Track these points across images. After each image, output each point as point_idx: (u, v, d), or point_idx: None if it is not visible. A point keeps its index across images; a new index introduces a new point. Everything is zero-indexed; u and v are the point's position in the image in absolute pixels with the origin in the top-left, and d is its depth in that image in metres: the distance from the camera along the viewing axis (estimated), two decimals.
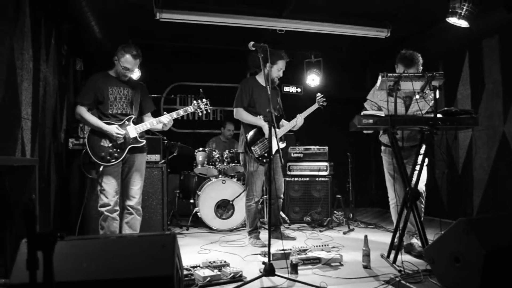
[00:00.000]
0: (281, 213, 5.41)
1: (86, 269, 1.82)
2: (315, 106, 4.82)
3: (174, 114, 3.83)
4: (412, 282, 2.75)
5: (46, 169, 4.36)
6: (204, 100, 4.00)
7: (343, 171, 6.35)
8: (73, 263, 1.84)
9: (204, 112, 4.02)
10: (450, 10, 4.40)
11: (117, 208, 3.69)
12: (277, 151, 4.46)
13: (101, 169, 3.61)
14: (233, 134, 6.63)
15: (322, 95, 4.89)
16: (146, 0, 4.95)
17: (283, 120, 4.67)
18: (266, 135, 4.34)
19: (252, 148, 4.36)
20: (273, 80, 4.47)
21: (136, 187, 3.79)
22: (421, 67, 3.80)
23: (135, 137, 3.73)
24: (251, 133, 4.41)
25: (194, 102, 4.00)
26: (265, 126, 4.33)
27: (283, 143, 4.59)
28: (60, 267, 1.77)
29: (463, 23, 4.41)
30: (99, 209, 3.66)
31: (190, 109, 3.94)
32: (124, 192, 3.79)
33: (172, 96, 6.99)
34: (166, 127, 3.83)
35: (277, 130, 4.45)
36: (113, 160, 3.64)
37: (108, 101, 3.69)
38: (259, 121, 4.38)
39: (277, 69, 4.45)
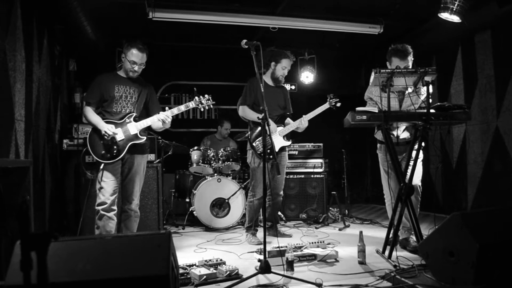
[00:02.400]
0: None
1: (81, 269, 1.83)
2: (325, 106, 4.75)
3: (175, 110, 3.75)
4: (407, 277, 2.76)
5: (41, 170, 4.35)
6: (206, 95, 3.91)
7: (338, 168, 6.38)
8: (68, 264, 1.84)
9: (206, 108, 3.92)
10: (442, 5, 4.43)
11: (115, 207, 3.64)
12: (283, 149, 4.51)
13: (101, 166, 3.57)
14: (229, 133, 6.64)
15: (334, 96, 4.81)
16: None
17: (289, 119, 4.67)
18: (269, 132, 4.35)
19: (254, 144, 4.39)
20: (277, 78, 4.51)
21: (135, 189, 3.76)
22: (413, 59, 3.81)
23: (136, 134, 3.67)
24: (255, 130, 4.45)
25: (196, 97, 3.89)
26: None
27: (288, 141, 4.59)
28: (55, 268, 1.77)
29: (455, 18, 4.44)
30: (96, 207, 3.61)
31: (191, 104, 3.86)
32: (123, 194, 3.76)
33: (166, 95, 7.00)
34: (166, 125, 3.74)
35: (280, 128, 4.47)
36: (114, 158, 3.60)
37: (114, 99, 3.66)
38: (256, 118, 4.39)
39: (281, 68, 4.49)
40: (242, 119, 4.61)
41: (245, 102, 4.48)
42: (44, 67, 4.55)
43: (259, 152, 4.36)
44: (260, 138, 4.38)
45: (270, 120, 4.26)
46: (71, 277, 1.80)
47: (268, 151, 4.33)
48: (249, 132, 4.51)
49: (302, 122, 4.58)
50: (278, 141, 4.47)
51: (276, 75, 4.51)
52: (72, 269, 1.83)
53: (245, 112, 4.48)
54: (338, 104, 4.78)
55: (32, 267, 1.16)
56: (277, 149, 4.34)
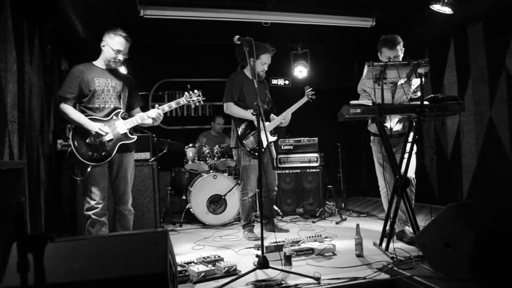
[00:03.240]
0: (274, 206, 5.42)
1: (78, 269, 1.82)
2: (304, 100, 4.78)
3: (165, 107, 3.57)
4: (404, 268, 2.77)
5: (36, 171, 4.33)
6: (196, 91, 3.74)
7: (333, 162, 6.39)
8: (65, 264, 1.83)
9: (197, 103, 3.73)
10: None
11: (106, 211, 3.43)
12: (267, 145, 4.49)
13: (89, 169, 3.29)
14: (223, 128, 6.64)
15: (311, 88, 4.85)
16: None
17: (272, 114, 4.66)
18: (262, 128, 4.34)
19: (244, 141, 4.35)
20: (258, 74, 4.41)
21: (128, 189, 3.53)
22: (403, 48, 3.82)
23: (125, 133, 3.43)
24: (242, 127, 4.40)
25: (186, 93, 3.69)
26: (255, 120, 4.33)
27: (274, 136, 4.59)
28: (52, 269, 1.76)
29: (447, 10, 4.45)
30: (85, 213, 3.36)
31: (182, 101, 3.66)
32: (115, 195, 3.53)
33: (160, 93, 6.99)
34: (156, 122, 3.57)
35: (266, 123, 4.46)
36: (101, 159, 3.33)
37: (95, 93, 3.37)
38: (250, 114, 4.36)
39: (261, 64, 4.42)
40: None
41: (231, 98, 4.41)
42: (35, 67, 4.52)
43: (248, 149, 4.33)
44: (248, 134, 4.37)
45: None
46: (69, 278, 1.80)
47: (257, 147, 4.33)
48: (236, 130, 4.43)
49: (287, 116, 4.59)
50: (264, 137, 4.46)
51: (257, 71, 4.40)
52: (69, 270, 1.82)
53: (232, 109, 4.41)
54: (314, 97, 4.82)
55: (29, 268, 1.16)
56: (264, 145, 4.32)
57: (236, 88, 4.41)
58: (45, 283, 1.20)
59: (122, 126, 3.42)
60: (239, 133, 4.39)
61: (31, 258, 1.18)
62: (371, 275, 2.80)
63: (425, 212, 5.58)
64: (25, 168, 3.06)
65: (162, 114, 3.56)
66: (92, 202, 3.34)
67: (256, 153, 4.33)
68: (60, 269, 1.80)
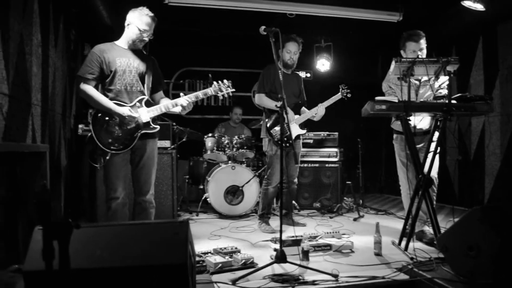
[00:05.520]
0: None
1: (99, 256, 1.82)
2: (337, 97, 4.67)
3: (192, 97, 3.32)
4: (424, 270, 2.72)
5: (56, 155, 4.37)
6: (225, 81, 3.49)
7: (353, 157, 6.31)
8: (86, 251, 1.84)
9: (226, 96, 3.51)
10: None
11: (127, 201, 3.27)
12: (298, 137, 4.48)
13: (108, 157, 3.13)
14: (241, 119, 6.61)
15: (347, 86, 4.73)
16: None
17: (304, 107, 4.62)
18: (286, 120, 4.31)
19: (272, 132, 4.36)
20: (286, 63, 4.42)
21: (150, 179, 3.32)
22: (426, 44, 3.77)
23: (147, 122, 3.24)
24: (271, 117, 4.42)
25: (215, 83, 3.46)
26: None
27: (304, 129, 4.56)
28: (74, 254, 1.77)
29: (479, 6, 4.33)
30: (106, 203, 3.23)
31: (210, 91, 3.44)
32: (135, 185, 3.32)
33: (181, 81, 6.97)
34: (185, 111, 3.33)
35: (296, 116, 4.43)
36: (122, 147, 3.15)
37: (116, 74, 3.18)
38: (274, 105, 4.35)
39: (287, 52, 4.42)
40: (257, 107, 4.56)
41: (262, 89, 4.44)
42: (60, 51, 4.55)
43: (276, 140, 4.32)
44: (277, 125, 4.34)
45: (288, 109, 4.21)
46: (90, 264, 1.81)
47: (285, 139, 4.30)
48: (266, 120, 4.46)
49: (319, 110, 4.52)
50: (294, 130, 4.45)
51: (284, 60, 4.43)
52: (90, 256, 1.83)
53: (262, 100, 4.45)
54: (349, 95, 4.70)
55: (54, 256, 1.15)
56: (293, 137, 4.31)
57: (268, 80, 4.43)
58: (69, 269, 1.20)
59: (145, 114, 3.24)
60: (268, 124, 4.41)
61: (56, 245, 1.17)
62: (390, 275, 2.76)
63: (444, 212, 5.50)
64: (47, 152, 3.08)
65: (192, 103, 3.35)
66: (113, 193, 3.18)
67: (284, 144, 4.31)
68: (80, 255, 1.80)
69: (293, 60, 4.45)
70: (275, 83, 4.39)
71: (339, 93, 4.69)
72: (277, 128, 4.34)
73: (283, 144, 4.30)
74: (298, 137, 4.57)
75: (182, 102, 3.30)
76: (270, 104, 4.37)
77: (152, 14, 3.25)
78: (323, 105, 4.56)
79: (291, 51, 4.42)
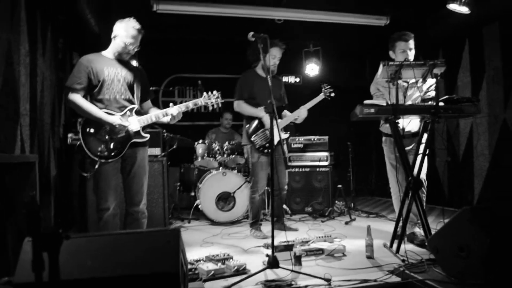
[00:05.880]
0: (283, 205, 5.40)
1: (90, 266, 1.81)
2: (320, 97, 4.67)
3: (182, 107, 3.37)
4: (416, 271, 2.74)
5: (46, 165, 4.34)
6: (215, 92, 3.58)
7: (343, 161, 6.34)
8: (77, 261, 1.83)
9: (215, 106, 3.60)
10: None
11: (118, 211, 3.24)
12: (279, 142, 4.46)
13: (96, 166, 3.11)
14: (232, 124, 6.61)
15: (329, 86, 4.74)
16: None
17: (285, 111, 4.63)
18: (266, 126, 4.32)
19: (252, 138, 4.33)
20: (268, 69, 4.37)
21: (142, 188, 3.31)
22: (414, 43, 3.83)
23: (138, 131, 3.24)
24: (251, 124, 4.39)
25: (205, 94, 3.54)
26: (264, 117, 4.31)
27: (286, 134, 4.56)
28: (64, 265, 1.75)
29: (464, 9, 4.38)
30: (97, 213, 3.18)
31: (200, 102, 3.50)
32: (127, 195, 3.31)
33: (171, 88, 6.96)
34: (174, 120, 3.35)
35: (278, 120, 4.42)
36: (112, 156, 3.14)
37: (104, 83, 3.17)
38: (259, 112, 4.34)
39: (272, 57, 4.37)
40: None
41: (241, 96, 4.40)
42: (48, 60, 4.52)
43: (257, 147, 4.31)
44: (258, 132, 4.34)
45: (267, 115, 4.20)
46: (80, 275, 1.79)
47: (267, 144, 4.30)
48: (246, 126, 4.42)
49: (301, 112, 4.53)
50: (276, 134, 4.43)
51: (267, 66, 4.38)
52: (80, 266, 1.82)
53: (241, 107, 4.40)
54: (332, 94, 4.71)
55: (44, 268, 1.14)
56: (276, 142, 4.29)
57: (247, 86, 4.40)
58: (59, 281, 1.19)
59: (135, 123, 3.24)
60: (249, 130, 4.37)
61: (46, 256, 1.17)
62: (382, 277, 2.77)
63: (435, 214, 5.54)
64: (36, 162, 3.06)
65: (182, 113, 3.38)
66: (103, 203, 3.15)
67: (265, 150, 4.31)
68: (71, 266, 1.78)
69: (275, 65, 4.46)
70: (254, 89, 4.37)
71: (322, 93, 4.68)
72: (260, 135, 4.33)
73: (265, 150, 4.31)
74: (281, 141, 4.56)
75: (173, 112, 3.32)
76: (250, 110, 4.36)
77: (138, 26, 3.25)
78: (305, 107, 4.56)
79: (275, 56, 4.40)
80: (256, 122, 4.37)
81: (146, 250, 1.88)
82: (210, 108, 3.60)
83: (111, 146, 3.15)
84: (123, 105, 3.26)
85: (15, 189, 2.93)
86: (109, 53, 3.31)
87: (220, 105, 3.65)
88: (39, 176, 3.12)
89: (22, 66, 3.64)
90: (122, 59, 3.32)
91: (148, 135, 3.35)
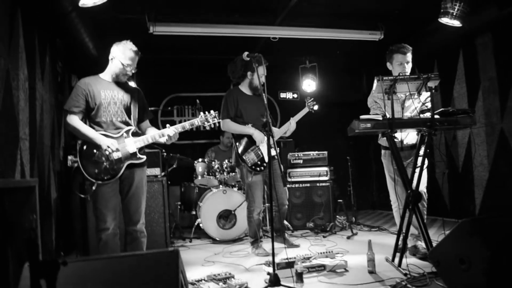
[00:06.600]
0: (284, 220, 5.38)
1: None
2: (305, 110, 4.84)
3: (179, 128, 3.40)
4: (418, 285, 2.74)
5: (46, 188, 4.35)
6: (212, 112, 3.61)
7: (343, 175, 6.35)
8: (77, 285, 1.83)
9: (212, 125, 3.63)
10: (442, 10, 4.43)
11: (117, 231, 3.27)
12: (273, 157, 4.48)
13: (94, 187, 3.16)
14: (232, 143, 6.63)
15: (312, 99, 4.91)
16: (139, 15, 4.97)
17: (272, 127, 4.65)
18: (257, 143, 4.33)
19: (244, 157, 4.33)
20: (256, 87, 4.39)
21: (140, 208, 3.35)
22: (411, 56, 3.88)
23: (134, 153, 3.28)
24: (241, 142, 4.38)
25: (202, 114, 3.57)
26: (254, 133, 4.31)
27: (277, 149, 4.57)
28: None
29: (456, 23, 4.43)
30: (96, 234, 3.23)
31: (196, 122, 3.52)
32: (125, 215, 3.34)
33: (169, 108, 7.00)
34: (171, 141, 3.39)
35: (261, 137, 4.34)
36: (109, 177, 3.18)
37: (101, 106, 3.24)
38: (248, 129, 4.34)
39: (260, 75, 4.41)
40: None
41: (227, 115, 4.38)
42: (47, 84, 4.57)
43: (250, 165, 4.31)
44: (248, 150, 4.34)
45: (257, 131, 4.23)
46: None
47: (259, 162, 4.31)
48: (236, 145, 4.39)
49: (291, 125, 4.62)
50: (266, 151, 4.45)
51: (255, 84, 4.40)
52: None
53: (229, 125, 4.39)
54: (315, 107, 4.88)
55: None
56: (266, 159, 4.30)
57: (232, 105, 4.40)
58: None
59: (132, 144, 3.29)
60: (239, 149, 4.36)
61: (43, 283, 1.18)
62: None
63: (437, 225, 5.52)
64: (36, 186, 3.07)
65: (178, 134, 3.42)
66: (102, 224, 3.19)
67: (258, 168, 4.31)
68: None
69: (263, 82, 4.49)
70: (240, 107, 4.39)
71: (306, 107, 4.85)
72: (251, 153, 4.34)
73: (257, 168, 4.31)
74: (273, 157, 4.55)
75: (169, 133, 3.36)
76: (238, 128, 4.36)
77: (135, 49, 3.32)
78: (294, 119, 4.68)
79: (263, 75, 4.34)
80: (245, 140, 4.37)
81: (145, 272, 1.88)
82: (207, 128, 3.63)
83: (108, 167, 3.18)
84: (119, 127, 3.31)
85: (16, 213, 2.93)
86: (106, 75, 3.38)
87: (217, 124, 3.67)
88: (40, 199, 3.13)
89: (21, 91, 3.68)
90: (119, 81, 3.39)
91: (144, 156, 3.37)
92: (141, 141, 3.33)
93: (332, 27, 5.70)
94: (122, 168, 3.24)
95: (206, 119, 3.58)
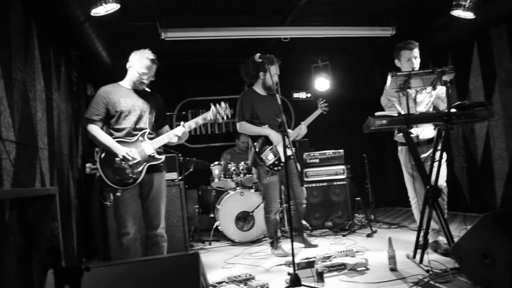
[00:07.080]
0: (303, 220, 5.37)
1: None
2: (317, 112, 4.82)
3: (192, 124, 3.41)
4: (441, 282, 2.71)
5: (66, 196, 4.41)
6: (222, 103, 3.51)
7: (360, 173, 6.30)
8: None
9: (225, 117, 3.52)
10: (454, 3, 4.36)
11: (138, 236, 3.32)
12: (289, 157, 4.47)
13: (118, 193, 3.22)
14: (247, 146, 6.64)
15: (324, 100, 4.90)
16: (151, 21, 5.02)
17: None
18: (274, 143, 4.33)
19: (262, 156, 4.33)
20: (270, 86, 4.37)
21: (160, 212, 3.38)
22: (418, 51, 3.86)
23: (152, 154, 3.32)
24: (259, 142, 4.38)
25: (213, 107, 3.48)
26: (271, 134, 4.32)
27: (293, 149, 4.57)
28: None
29: (469, 15, 4.37)
30: (118, 238, 3.30)
31: (209, 115, 3.47)
32: (146, 219, 3.39)
33: (184, 112, 7.05)
34: (181, 140, 3.42)
35: (278, 138, 4.33)
36: (130, 183, 3.23)
37: (122, 114, 3.30)
38: (265, 130, 4.34)
39: (273, 74, 4.40)
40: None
41: (243, 117, 4.39)
42: (63, 93, 4.64)
43: (268, 165, 4.31)
44: (266, 149, 4.34)
45: (274, 132, 4.24)
46: None
47: (276, 162, 4.30)
48: (254, 145, 4.38)
49: (302, 129, 4.61)
50: (282, 151, 4.45)
51: (268, 84, 4.38)
52: None
53: (245, 127, 4.40)
54: (327, 109, 4.89)
55: None
56: (283, 159, 4.30)
57: (247, 106, 4.40)
58: None
59: (149, 147, 3.32)
60: (256, 149, 4.36)
61: None
62: None
63: (458, 220, 5.44)
64: (56, 194, 3.12)
65: (188, 132, 3.42)
66: (123, 228, 3.24)
67: (276, 168, 4.31)
68: None
69: (276, 82, 4.48)
70: (255, 108, 4.39)
71: (318, 109, 4.83)
72: (269, 153, 4.34)
73: (275, 168, 4.31)
74: (289, 157, 4.54)
75: (177, 132, 3.37)
76: (255, 130, 4.36)
77: (152, 57, 3.35)
78: (305, 123, 4.67)
79: (275, 74, 4.34)
80: (262, 140, 4.37)
81: (167, 276, 1.90)
82: (220, 120, 3.56)
83: (128, 172, 3.23)
84: (136, 132, 3.35)
85: (37, 221, 2.99)
86: (125, 83, 3.44)
87: (229, 116, 3.60)
88: (60, 207, 3.18)
89: (38, 101, 3.74)
90: (137, 89, 3.43)
91: (163, 157, 3.41)
92: (157, 142, 3.36)
93: (343, 24, 5.67)
94: (142, 172, 3.28)
95: (218, 111, 3.50)
